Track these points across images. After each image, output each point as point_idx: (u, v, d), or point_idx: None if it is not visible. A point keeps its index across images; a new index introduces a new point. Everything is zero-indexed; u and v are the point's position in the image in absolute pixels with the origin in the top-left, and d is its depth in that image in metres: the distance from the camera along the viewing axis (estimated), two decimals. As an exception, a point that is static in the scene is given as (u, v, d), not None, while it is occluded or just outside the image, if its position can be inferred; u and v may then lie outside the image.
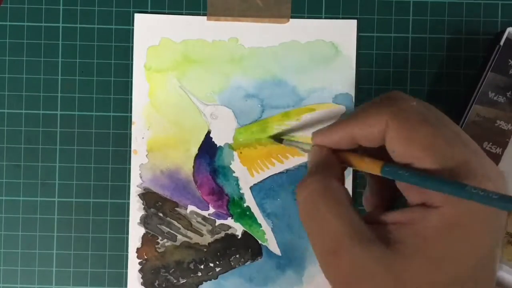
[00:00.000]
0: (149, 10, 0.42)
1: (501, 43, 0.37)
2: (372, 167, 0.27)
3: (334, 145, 0.29)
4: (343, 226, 0.25)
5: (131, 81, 0.42)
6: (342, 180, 0.28)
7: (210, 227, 0.42)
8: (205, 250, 0.42)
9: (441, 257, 0.24)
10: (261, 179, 0.42)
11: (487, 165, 0.25)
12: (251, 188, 0.42)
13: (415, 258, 0.24)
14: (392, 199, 0.31)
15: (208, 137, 0.42)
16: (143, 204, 0.42)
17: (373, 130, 0.26)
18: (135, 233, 0.42)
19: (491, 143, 0.38)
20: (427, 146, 0.25)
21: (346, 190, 0.28)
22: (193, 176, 0.42)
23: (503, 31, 0.38)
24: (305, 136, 0.41)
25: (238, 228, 0.42)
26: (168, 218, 0.42)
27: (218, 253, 0.42)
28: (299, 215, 0.27)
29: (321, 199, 0.26)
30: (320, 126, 0.40)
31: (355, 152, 0.30)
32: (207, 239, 0.42)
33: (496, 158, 0.38)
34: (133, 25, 0.42)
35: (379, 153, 0.28)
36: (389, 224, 0.26)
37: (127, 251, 0.42)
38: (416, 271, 0.24)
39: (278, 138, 0.40)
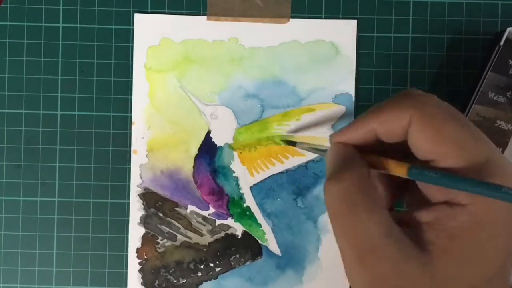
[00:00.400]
0: (149, 10, 0.42)
1: (501, 43, 0.37)
2: (398, 170, 0.27)
3: (355, 142, 0.28)
4: (380, 226, 0.24)
5: (131, 81, 0.42)
6: (369, 174, 0.28)
7: (210, 227, 0.42)
8: (205, 250, 0.42)
9: (471, 256, 0.24)
10: (261, 179, 0.42)
11: (508, 163, 0.25)
12: (251, 188, 0.42)
13: (447, 259, 0.24)
14: (394, 198, 0.31)
15: (208, 137, 0.42)
16: (143, 204, 0.41)
17: (396, 125, 0.26)
18: (135, 233, 0.41)
19: None
20: (453, 143, 0.24)
21: (378, 189, 0.27)
22: (193, 176, 0.42)
23: (503, 31, 0.38)
24: (307, 136, 0.41)
25: (238, 228, 0.42)
26: (168, 218, 0.42)
27: (218, 253, 0.42)
28: (329, 214, 0.26)
29: (356, 197, 0.25)
30: (320, 126, 0.41)
31: (373, 151, 0.29)
32: (207, 239, 0.42)
33: None
34: (133, 25, 0.42)
35: (398, 149, 0.28)
36: (418, 225, 0.25)
37: (127, 251, 0.42)
38: (450, 272, 0.24)
39: (291, 141, 0.40)
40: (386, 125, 0.26)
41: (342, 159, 0.27)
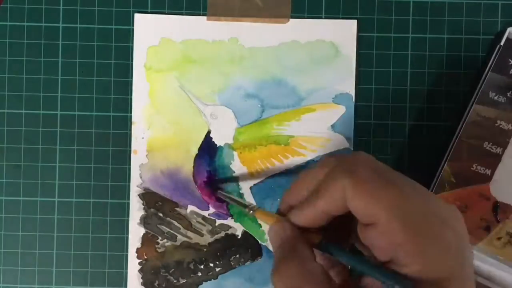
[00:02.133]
0: (149, 10, 0.42)
1: (502, 43, 0.37)
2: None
3: (312, 224, 0.29)
4: None
5: (131, 81, 0.41)
6: (314, 257, 0.28)
7: (210, 227, 0.41)
8: (205, 250, 0.41)
9: None
10: (261, 179, 0.42)
11: (444, 209, 0.26)
12: (251, 188, 0.41)
13: None
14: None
15: (208, 137, 0.41)
16: (143, 204, 0.41)
17: (335, 198, 0.27)
18: (135, 233, 0.41)
19: (491, 143, 0.37)
20: (384, 203, 0.25)
21: (323, 268, 0.28)
22: (193, 176, 0.41)
23: (503, 31, 0.38)
24: (305, 136, 0.41)
25: (238, 228, 0.41)
26: (168, 218, 0.41)
27: (218, 253, 0.41)
28: None
29: (304, 285, 0.26)
30: (320, 126, 0.40)
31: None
32: (207, 239, 0.41)
33: (496, 158, 0.38)
34: (133, 25, 0.41)
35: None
36: None
37: (127, 251, 0.41)
38: None
39: (213, 187, 0.41)
40: (331, 201, 0.27)
41: (284, 245, 0.28)
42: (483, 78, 0.38)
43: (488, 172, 0.38)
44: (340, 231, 0.30)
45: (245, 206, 0.35)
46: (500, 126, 0.37)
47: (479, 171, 0.38)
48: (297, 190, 0.30)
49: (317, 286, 0.26)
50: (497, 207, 0.37)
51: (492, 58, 0.37)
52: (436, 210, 0.26)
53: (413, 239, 0.25)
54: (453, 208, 0.27)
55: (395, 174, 0.27)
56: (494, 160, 0.38)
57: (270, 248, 0.41)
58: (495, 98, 0.37)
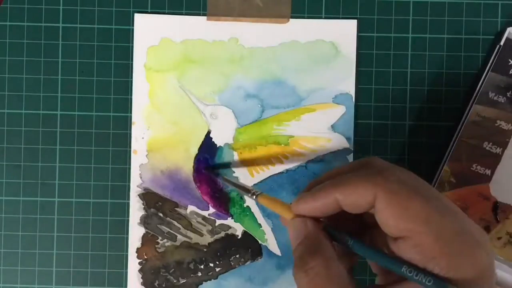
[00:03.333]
0: (149, 10, 0.42)
1: (501, 43, 0.37)
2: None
3: (317, 212, 0.28)
4: None
5: (131, 81, 0.41)
6: (336, 255, 0.28)
7: (210, 227, 0.41)
8: (205, 250, 0.41)
9: None
10: (261, 179, 0.41)
11: (475, 229, 0.26)
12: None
13: None
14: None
15: (208, 137, 0.41)
16: (143, 204, 0.41)
17: (360, 200, 0.26)
18: (135, 233, 0.41)
19: (491, 143, 0.37)
20: (419, 219, 0.25)
21: (346, 270, 0.28)
22: (193, 176, 0.41)
23: (503, 31, 0.38)
24: (305, 136, 0.41)
25: (238, 228, 0.41)
26: (168, 218, 0.41)
27: (218, 253, 0.41)
28: None
29: (329, 283, 0.26)
30: (320, 126, 0.40)
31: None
32: (207, 239, 0.41)
33: (496, 158, 0.37)
34: (133, 25, 0.41)
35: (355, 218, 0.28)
36: None
37: (127, 251, 0.41)
38: None
39: (214, 172, 0.41)
40: (350, 199, 0.27)
41: (306, 241, 0.28)
42: (483, 78, 0.37)
43: (488, 172, 0.38)
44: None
45: (247, 190, 0.34)
46: (500, 126, 0.37)
47: (479, 171, 0.38)
48: (320, 181, 0.30)
49: (341, 286, 0.26)
50: (497, 207, 0.37)
51: (492, 58, 0.37)
52: (469, 229, 0.25)
53: (448, 254, 0.24)
54: (482, 229, 0.26)
55: (428, 187, 0.27)
56: (494, 160, 0.38)
57: (270, 248, 0.41)
58: (495, 98, 0.37)
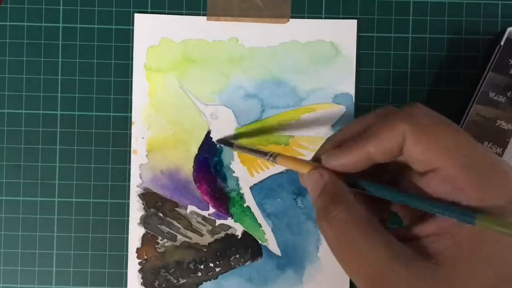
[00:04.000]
0: (149, 10, 0.41)
1: (502, 43, 0.37)
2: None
3: (349, 168, 0.27)
4: (384, 251, 0.24)
5: (131, 81, 0.41)
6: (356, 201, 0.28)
7: (210, 227, 0.41)
8: (205, 250, 0.41)
9: (483, 260, 0.24)
10: (261, 179, 0.41)
11: (503, 161, 0.25)
12: (251, 188, 0.41)
13: (457, 267, 0.24)
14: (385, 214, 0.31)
15: (208, 137, 0.41)
16: (143, 204, 0.41)
17: (392, 143, 0.26)
18: (135, 233, 0.41)
19: (491, 143, 0.37)
20: (448, 147, 0.24)
21: (368, 212, 0.27)
22: (193, 176, 0.41)
23: (503, 31, 0.37)
24: (305, 136, 0.41)
25: (238, 228, 0.41)
26: (168, 218, 0.41)
27: (218, 253, 0.41)
28: (330, 248, 0.26)
29: (355, 227, 0.25)
30: (320, 126, 0.40)
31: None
32: (207, 239, 0.41)
33: None
34: (133, 25, 0.41)
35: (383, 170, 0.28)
36: (422, 238, 0.25)
37: (127, 251, 0.41)
38: (461, 280, 0.24)
39: (228, 142, 0.40)
40: (381, 146, 0.26)
41: (325, 191, 0.27)
42: (483, 78, 0.37)
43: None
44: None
45: (264, 154, 0.34)
46: (500, 126, 0.37)
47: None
48: (341, 134, 0.29)
49: (366, 229, 0.25)
50: None
51: (492, 58, 0.37)
52: (496, 159, 0.25)
53: (478, 184, 0.24)
54: (506, 161, 0.26)
55: (454, 123, 0.26)
56: None
57: (270, 248, 0.41)
58: (495, 98, 0.37)
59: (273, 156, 0.32)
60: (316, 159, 0.30)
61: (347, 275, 0.26)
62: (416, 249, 0.25)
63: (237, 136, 0.41)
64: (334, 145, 0.29)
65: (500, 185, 0.24)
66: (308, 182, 0.28)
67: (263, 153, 0.34)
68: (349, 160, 0.27)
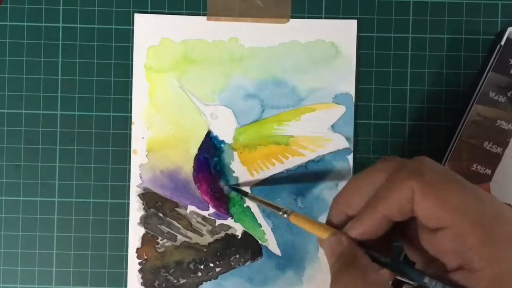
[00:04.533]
0: (149, 10, 0.41)
1: (502, 43, 0.37)
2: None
3: (372, 233, 0.27)
4: None
5: (131, 81, 0.41)
6: (374, 268, 0.28)
7: (210, 227, 0.41)
8: (205, 250, 0.41)
9: None
10: (261, 179, 0.41)
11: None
12: (251, 188, 0.41)
13: None
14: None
15: (208, 137, 0.41)
16: (143, 204, 0.41)
17: (402, 203, 0.26)
18: (135, 233, 0.41)
19: (491, 143, 0.37)
20: (456, 205, 0.25)
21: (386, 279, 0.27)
22: (193, 176, 0.41)
23: (504, 31, 0.37)
24: (305, 136, 0.41)
25: (238, 228, 0.41)
26: (168, 218, 0.41)
27: (218, 253, 0.41)
28: None
29: None
30: (320, 126, 0.40)
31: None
32: (207, 239, 0.41)
33: (497, 158, 0.37)
34: (133, 25, 0.41)
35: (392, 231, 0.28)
36: None
37: (127, 251, 0.41)
38: None
39: (243, 191, 0.40)
40: (396, 206, 0.26)
41: (345, 258, 0.27)
42: (483, 77, 0.37)
43: (488, 172, 0.37)
44: (381, 243, 0.29)
45: (278, 209, 0.34)
46: (500, 126, 0.37)
47: (479, 171, 0.37)
48: (350, 195, 0.29)
49: None
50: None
51: (493, 58, 0.37)
52: (507, 214, 0.25)
53: (488, 242, 0.24)
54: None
55: (462, 178, 0.26)
56: (494, 160, 0.37)
57: (270, 248, 0.41)
58: (496, 98, 0.37)
59: (287, 213, 0.33)
60: (329, 223, 0.30)
61: None
62: None
63: (237, 136, 0.41)
64: (343, 208, 0.29)
65: (508, 240, 0.24)
66: (327, 247, 0.28)
67: (277, 208, 0.35)
68: (369, 226, 0.27)
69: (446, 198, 0.25)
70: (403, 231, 0.29)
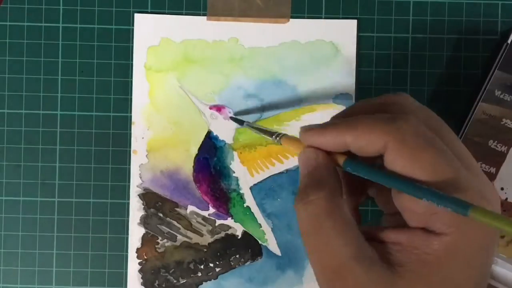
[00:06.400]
0: (149, 10, 0.39)
1: (509, 41, 0.35)
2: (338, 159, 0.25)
3: (325, 147, 0.25)
4: (350, 250, 0.23)
5: (131, 81, 0.39)
6: (342, 192, 0.26)
7: (210, 227, 0.39)
8: (205, 250, 0.39)
9: (441, 283, 0.23)
10: (261, 179, 0.39)
11: (483, 182, 0.24)
12: (251, 188, 0.39)
13: (416, 284, 0.23)
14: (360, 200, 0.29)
15: (208, 137, 0.39)
16: (143, 204, 0.39)
17: (369, 146, 0.24)
18: (135, 233, 0.39)
19: (496, 141, 0.35)
20: (427, 171, 0.23)
21: (350, 207, 0.26)
22: (193, 176, 0.39)
23: (510, 29, 0.35)
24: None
25: (238, 228, 0.39)
26: (168, 218, 0.39)
27: (218, 253, 0.39)
28: (300, 231, 0.25)
29: (328, 218, 0.24)
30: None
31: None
32: (207, 239, 0.39)
33: (501, 156, 0.35)
34: (133, 25, 0.39)
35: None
36: (390, 244, 0.24)
37: (127, 251, 0.39)
38: None
39: (239, 120, 0.38)
40: (359, 142, 0.24)
41: (315, 172, 0.25)
42: (489, 76, 0.35)
43: (493, 170, 0.35)
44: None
45: (271, 134, 0.31)
46: (506, 124, 0.35)
47: (484, 169, 0.35)
48: (341, 113, 0.27)
49: (339, 222, 0.23)
50: (502, 205, 0.35)
51: (499, 56, 0.35)
52: (475, 181, 0.23)
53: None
54: (488, 181, 0.24)
55: (447, 134, 0.25)
56: (499, 159, 0.35)
57: (270, 248, 0.38)
58: (501, 96, 0.35)
59: (279, 137, 0.30)
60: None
61: (310, 263, 0.25)
62: (381, 252, 0.24)
63: (237, 136, 0.39)
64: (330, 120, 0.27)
65: (475, 223, 0.22)
66: (300, 160, 0.26)
67: (270, 133, 0.31)
68: (324, 140, 0.25)
69: (417, 160, 0.23)
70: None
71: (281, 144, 0.30)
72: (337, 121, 0.25)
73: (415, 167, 0.23)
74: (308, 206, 0.24)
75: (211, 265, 0.39)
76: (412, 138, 0.23)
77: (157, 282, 0.38)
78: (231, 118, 0.38)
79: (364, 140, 0.24)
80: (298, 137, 0.27)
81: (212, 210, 0.39)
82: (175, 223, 0.39)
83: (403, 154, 0.23)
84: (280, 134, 0.30)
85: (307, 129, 0.26)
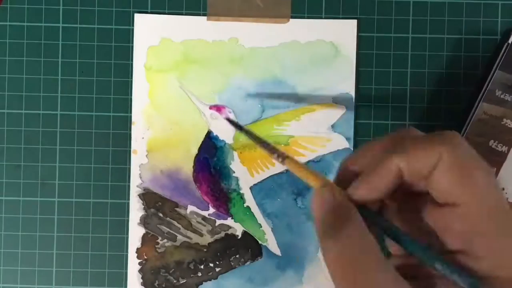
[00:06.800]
0: (149, 10, 0.38)
1: (510, 41, 0.34)
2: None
3: (376, 192, 0.23)
4: (387, 285, 0.21)
5: (131, 81, 0.38)
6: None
7: (210, 227, 0.38)
8: (205, 250, 0.38)
9: None
10: (261, 179, 0.38)
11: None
12: (251, 188, 0.38)
13: None
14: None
15: (208, 137, 0.38)
16: (143, 204, 0.38)
17: (424, 163, 0.22)
18: (135, 233, 0.38)
19: (497, 141, 0.35)
20: (479, 186, 0.21)
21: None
22: (193, 176, 0.38)
23: (511, 29, 0.35)
24: (305, 136, 0.38)
25: (238, 228, 0.38)
26: (168, 218, 0.38)
27: (218, 253, 0.38)
28: (330, 273, 0.23)
29: (359, 257, 0.21)
30: (320, 126, 0.37)
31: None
32: (207, 239, 0.38)
33: (502, 156, 0.35)
34: (133, 25, 0.38)
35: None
36: (428, 278, 0.23)
37: (127, 251, 0.38)
38: None
39: (237, 125, 0.36)
40: (416, 163, 0.22)
41: (339, 212, 0.23)
42: (490, 76, 0.35)
43: (493, 170, 0.35)
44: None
45: (272, 151, 0.27)
46: (506, 124, 0.34)
47: (484, 169, 0.35)
48: (363, 153, 0.25)
49: (374, 258, 0.21)
50: None
51: (500, 56, 0.34)
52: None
53: (498, 231, 0.21)
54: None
55: (487, 164, 0.23)
56: (499, 159, 0.35)
57: (270, 248, 0.38)
58: (502, 96, 0.34)
59: (282, 157, 0.27)
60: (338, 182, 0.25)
61: None
62: (418, 286, 0.22)
63: (237, 136, 0.38)
64: (351, 166, 0.25)
65: None
66: (318, 197, 0.24)
67: (271, 150, 0.28)
68: (378, 181, 0.23)
69: (471, 176, 0.21)
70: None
71: (284, 165, 0.27)
72: (380, 155, 0.23)
73: (464, 183, 0.21)
74: (338, 244, 0.22)
75: (211, 265, 0.38)
76: (467, 154, 0.22)
77: (157, 282, 0.38)
78: (228, 120, 0.37)
79: (420, 157, 0.22)
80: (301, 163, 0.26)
81: (212, 210, 0.38)
82: (175, 223, 0.38)
83: (455, 167, 0.21)
84: (283, 154, 0.27)
85: (355, 185, 0.24)
